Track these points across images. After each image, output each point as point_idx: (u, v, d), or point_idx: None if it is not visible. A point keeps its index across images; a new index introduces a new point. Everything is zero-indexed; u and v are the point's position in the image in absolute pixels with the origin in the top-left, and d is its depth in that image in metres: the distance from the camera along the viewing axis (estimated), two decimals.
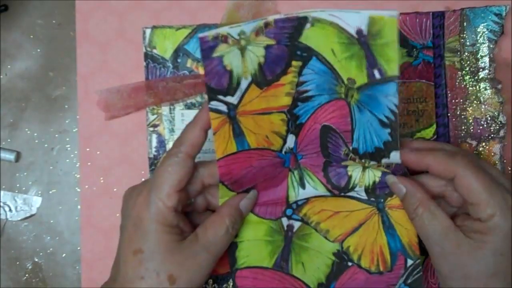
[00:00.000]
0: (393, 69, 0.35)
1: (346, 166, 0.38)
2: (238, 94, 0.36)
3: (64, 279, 0.46)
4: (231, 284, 0.43)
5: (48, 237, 0.47)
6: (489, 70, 0.43)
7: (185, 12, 0.46)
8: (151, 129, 0.45)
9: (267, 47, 0.36)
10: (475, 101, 0.43)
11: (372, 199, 0.39)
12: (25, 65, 0.47)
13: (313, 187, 0.39)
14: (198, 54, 0.44)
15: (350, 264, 0.39)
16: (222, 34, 0.35)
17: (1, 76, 0.47)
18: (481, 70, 0.43)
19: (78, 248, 0.46)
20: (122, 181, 0.45)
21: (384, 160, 0.37)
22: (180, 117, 0.44)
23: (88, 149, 0.45)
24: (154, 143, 0.45)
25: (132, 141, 0.45)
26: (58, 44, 0.47)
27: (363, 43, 0.35)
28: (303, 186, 0.39)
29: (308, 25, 0.35)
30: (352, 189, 0.39)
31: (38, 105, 0.47)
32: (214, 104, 0.36)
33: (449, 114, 0.43)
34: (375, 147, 0.37)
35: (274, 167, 0.39)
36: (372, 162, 0.38)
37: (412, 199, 0.36)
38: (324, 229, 0.39)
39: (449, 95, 0.44)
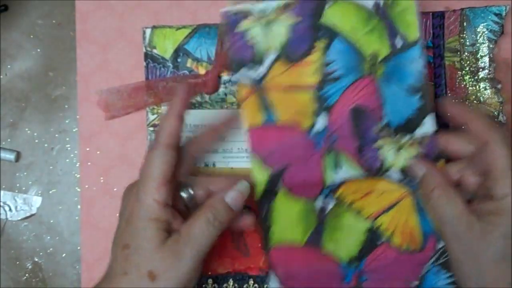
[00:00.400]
0: (414, 33, 0.37)
1: (379, 148, 0.39)
2: (263, 68, 0.38)
3: (64, 279, 0.46)
4: (231, 283, 0.43)
5: (48, 237, 0.47)
6: (489, 70, 0.43)
7: (185, 12, 0.46)
8: (151, 129, 0.45)
9: (291, 26, 0.37)
10: (475, 101, 0.43)
11: (406, 181, 0.39)
12: (25, 65, 0.47)
13: (349, 170, 0.39)
14: (198, 54, 0.44)
15: (381, 241, 0.40)
16: (244, 11, 0.37)
17: (1, 76, 0.48)
18: (481, 70, 0.43)
19: (78, 248, 0.46)
20: (122, 181, 0.45)
21: (418, 131, 0.38)
22: None
23: (88, 149, 0.46)
24: None
25: (132, 141, 0.45)
26: (58, 44, 0.47)
27: (382, 14, 0.37)
28: (339, 169, 0.39)
29: (328, 5, 0.37)
30: (387, 171, 0.39)
31: (38, 105, 0.47)
32: (238, 76, 0.38)
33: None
34: (407, 117, 0.38)
35: (305, 149, 0.39)
36: (405, 137, 0.38)
37: (430, 181, 0.37)
38: (358, 208, 0.40)
39: (449, 94, 0.44)
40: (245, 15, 0.37)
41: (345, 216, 0.40)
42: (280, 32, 0.37)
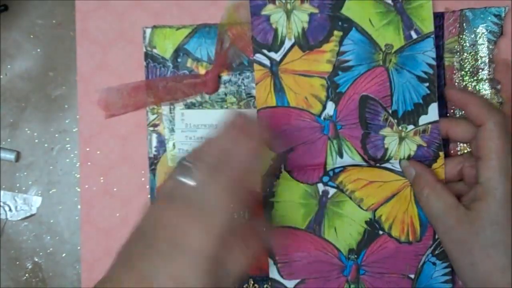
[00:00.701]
0: (428, 27, 0.40)
1: (383, 138, 0.41)
2: (281, 52, 0.41)
3: (64, 279, 0.46)
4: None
5: (48, 237, 0.47)
6: (489, 71, 0.43)
7: (185, 12, 0.46)
8: (151, 128, 0.45)
9: (311, 14, 0.40)
10: None
11: None
12: (25, 65, 0.47)
13: (351, 157, 0.41)
14: (198, 54, 0.44)
15: (381, 232, 0.41)
16: None
17: (1, 76, 0.47)
18: (480, 70, 0.43)
19: (78, 248, 0.46)
20: (122, 181, 0.45)
21: (422, 119, 0.40)
22: (180, 117, 0.44)
23: (88, 149, 0.46)
24: (154, 142, 0.45)
25: (132, 141, 0.45)
26: (58, 44, 0.47)
27: (399, 9, 0.40)
28: (341, 156, 0.41)
29: None
30: (388, 160, 0.41)
31: (38, 105, 0.47)
32: (258, 56, 0.41)
33: (448, 115, 0.43)
34: (414, 103, 0.40)
35: (312, 132, 0.41)
36: (409, 128, 0.40)
37: (420, 181, 0.38)
38: (359, 198, 0.41)
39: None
40: (271, 0, 0.40)
41: (346, 204, 0.41)
42: (300, 20, 0.40)
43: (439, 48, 0.43)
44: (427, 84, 0.40)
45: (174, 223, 0.28)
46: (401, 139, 0.41)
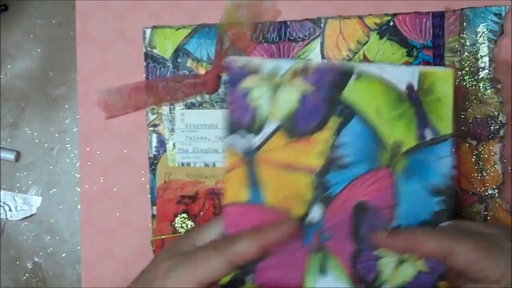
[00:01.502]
0: (446, 127, 0.33)
1: (378, 258, 0.33)
2: (261, 136, 0.33)
3: (64, 279, 0.46)
4: None
5: (48, 237, 0.47)
6: (489, 70, 0.43)
7: (185, 12, 0.46)
8: (151, 129, 0.45)
9: (304, 93, 0.33)
10: (474, 101, 0.43)
11: None
12: (25, 65, 0.47)
13: (336, 278, 0.33)
14: (198, 54, 0.44)
15: None
16: (254, 64, 0.32)
17: (1, 76, 0.48)
18: (481, 70, 0.43)
19: (78, 248, 0.46)
20: (122, 181, 0.45)
21: None
22: (180, 117, 0.44)
23: (88, 149, 0.46)
24: (154, 143, 0.45)
25: (132, 141, 0.45)
26: (58, 44, 0.47)
27: (414, 99, 0.32)
28: (324, 274, 0.33)
29: (353, 78, 0.32)
30: (380, 286, 0.33)
31: (38, 105, 0.47)
32: (232, 138, 0.33)
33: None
34: (422, 221, 0.33)
35: (290, 240, 0.32)
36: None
37: None
38: None
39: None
40: (253, 70, 0.32)
41: None
42: (289, 98, 0.32)
43: (440, 48, 0.43)
44: (440, 198, 0.33)
45: None
46: (401, 262, 0.33)
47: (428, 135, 0.33)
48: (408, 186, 0.33)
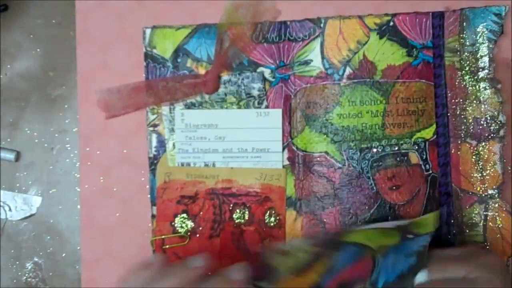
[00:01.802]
0: (427, 230, 0.36)
1: None
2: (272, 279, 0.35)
3: (64, 279, 0.46)
4: None
5: (48, 237, 0.47)
6: (489, 70, 0.43)
7: (185, 12, 0.46)
8: (151, 129, 0.45)
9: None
10: (474, 101, 0.43)
11: None
12: (25, 65, 0.47)
13: None
14: (198, 54, 0.44)
15: None
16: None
17: (1, 76, 0.48)
18: (480, 70, 0.43)
19: (78, 248, 0.46)
20: (122, 181, 0.45)
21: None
22: (180, 117, 0.44)
23: (88, 149, 0.46)
24: (154, 143, 0.45)
25: (132, 141, 0.45)
26: (58, 44, 0.47)
27: (403, 233, 0.36)
28: None
29: (348, 233, 0.37)
30: None
31: (38, 105, 0.47)
32: None
33: (448, 114, 0.43)
34: (399, 274, 0.35)
35: None
36: None
37: None
38: None
39: (449, 95, 0.44)
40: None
41: None
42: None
43: (439, 47, 0.43)
44: (415, 257, 0.35)
45: None
46: None
47: (410, 235, 0.36)
48: (386, 259, 0.36)
